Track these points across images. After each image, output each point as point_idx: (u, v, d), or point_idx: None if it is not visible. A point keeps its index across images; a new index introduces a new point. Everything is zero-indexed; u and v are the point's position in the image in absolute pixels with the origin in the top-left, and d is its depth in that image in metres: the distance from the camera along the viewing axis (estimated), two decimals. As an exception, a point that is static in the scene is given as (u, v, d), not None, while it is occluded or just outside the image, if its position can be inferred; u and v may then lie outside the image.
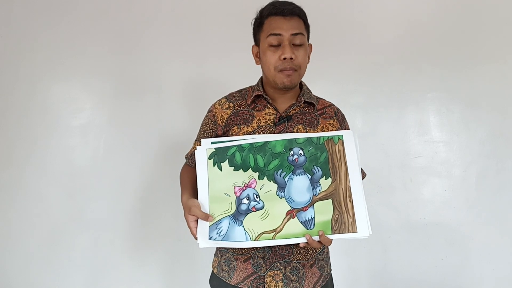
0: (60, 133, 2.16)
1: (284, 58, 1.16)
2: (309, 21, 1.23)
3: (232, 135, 1.23)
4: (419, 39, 2.06)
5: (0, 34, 2.20)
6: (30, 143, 2.15)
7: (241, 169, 1.13)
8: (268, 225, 1.09)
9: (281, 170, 1.13)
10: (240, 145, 1.15)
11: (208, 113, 1.31)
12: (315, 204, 1.10)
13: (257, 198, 1.11)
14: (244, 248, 1.20)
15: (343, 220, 1.08)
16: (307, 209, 1.09)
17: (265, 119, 1.24)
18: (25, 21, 2.19)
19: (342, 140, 1.15)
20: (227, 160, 1.15)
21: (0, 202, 2.17)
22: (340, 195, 1.10)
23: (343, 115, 1.33)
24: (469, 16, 2.04)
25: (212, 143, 1.17)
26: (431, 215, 2.05)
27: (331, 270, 1.30)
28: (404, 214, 2.07)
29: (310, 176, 1.12)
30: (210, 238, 1.08)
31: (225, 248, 1.25)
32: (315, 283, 1.23)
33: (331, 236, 1.07)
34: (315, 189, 1.11)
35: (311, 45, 1.27)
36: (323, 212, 1.09)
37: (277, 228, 1.08)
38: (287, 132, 1.21)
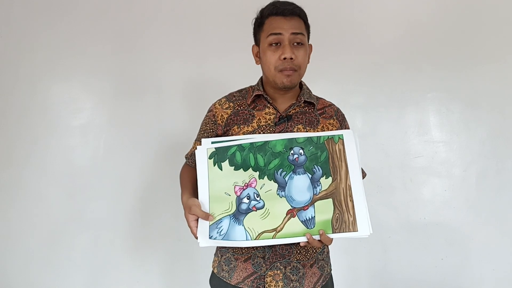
0: (60, 133, 2.16)
1: (284, 58, 1.16)
2: (309, 21, 1.24)
3: (232, 134, 1.23)
4: (419, 39, 2.07)
5: (0, 34, 2.20)
6: (30, 143, 2.15)
7: (242, 169, 1.14)
8: (268, 224, 1.09)
9: (281, 170, 1.13)
10: (241, 144, 1.15)
11: (208, 112, 1.31)
12: (315, 203, 1.10)
13: (257, 197, 1.11)
14: (244, 248, 1.20)
15: (343, 219, 1.08)
16: (307, 208, 1.09)
17: (265, 118, 1.24)
18: (25, 21, 2.19)
19: (343, 140, 1.15)
20: (227, 160, 1.15)
21: (0, 202, 2.17)
22: (340, 194, 1.10)
23: (343, 114, 1.34)
24: (469, 16, 2.04)
25: (213, 142, 1.17)
26: (431, 215, 2.05)
27: (331, 270, 1.30)
28: (404, 214, 2.07)
29: (310, 176, 1.12)
30: (210, 237, 1.08)
31: (225, 248, 1.25)
32: (315, 283, 1.23)
33: (331, 235, 1.07)
34: (316, 188, 1.11)
35: (311, 45, 1.27)
36: (324, 211, 1.09)
37: (277, 227, 1.08)
38: (287, 132, 1.21)
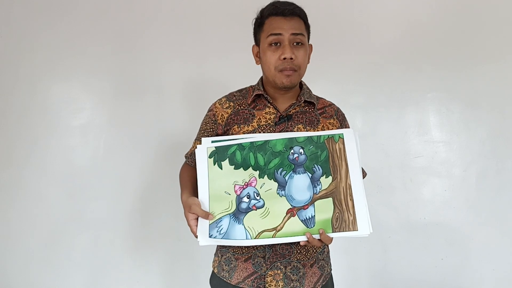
0: (60, 133, 2.16)
1: (284, 58, 1.16)
2: (309, 21, 1.24)
3: (232, 134, 1.23)
4: (419, 39, 2.07)
5: (0, 34, 2.20)
6: (30, 143, 2.15)
7: (242, 168, 1.14)
8: (268, 223, 1.09)
9: (281, 169, 1.13)
10: (241, 144, 1.15)
11: (208, 112, 1.31)
12: (315, 203, 1.10)
13: (257, 196, 1.11)
14: (245, 248, 1.20)
15: (343, 218, 1.08)
16: (307, 208, 1.09)
17: (266, 118, 1.24)
18: (25, 21, 2.19)
19: (343, 139, 1.15)
20: (227, 159, 1.15)
21: (0, 202, 2.17)
22: (340, 193, 1.10)
23: (343, 114, 1.34)
24: (469, 16, 2.04)
25: (213, 141, 1.17)
26: (431, 215, 2.05)
27: (331, 269, 1.30)
28: (404, 214, 2.07)
29: (310, 175, 1.12)
30: (210, 236, 1.08)
31: (225, 247, 1.25)
32: (315, 282, 1.23)
33: (331, 234, 1.07)
34: (316, 187, 1.11)
35: (311, 45, 1.27)
36: (324, 210, 1.09)
37: (277, 226, 1.08)
38: (287, 131, 1.21)
